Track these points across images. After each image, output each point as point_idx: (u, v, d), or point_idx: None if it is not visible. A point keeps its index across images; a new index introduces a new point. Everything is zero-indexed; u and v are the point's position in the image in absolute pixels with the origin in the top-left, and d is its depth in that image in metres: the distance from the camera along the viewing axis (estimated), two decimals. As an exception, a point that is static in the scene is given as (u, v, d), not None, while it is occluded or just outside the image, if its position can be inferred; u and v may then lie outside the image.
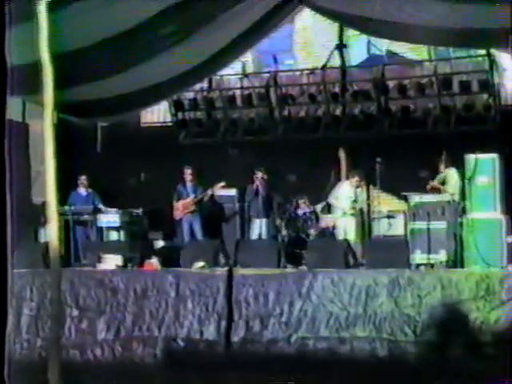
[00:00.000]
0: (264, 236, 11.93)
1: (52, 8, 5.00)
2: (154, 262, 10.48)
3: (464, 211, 10.09)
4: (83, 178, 12.41)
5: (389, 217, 11.35)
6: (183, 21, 8.19)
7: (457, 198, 10.50)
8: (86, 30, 7.62)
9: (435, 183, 10.91)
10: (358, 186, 11.56)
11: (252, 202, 12.10)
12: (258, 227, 12.00)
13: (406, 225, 11.04)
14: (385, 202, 11.78)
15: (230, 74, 13.01)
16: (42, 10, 4.86)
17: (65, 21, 6.74)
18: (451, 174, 10.85)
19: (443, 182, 10.97)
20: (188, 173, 12.18)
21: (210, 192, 12.13)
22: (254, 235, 11.98)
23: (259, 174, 11.99)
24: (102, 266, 10.33)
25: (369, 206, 11.57)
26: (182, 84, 10.63)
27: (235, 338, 8.76)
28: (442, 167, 10.96)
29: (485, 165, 9.89)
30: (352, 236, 11.25)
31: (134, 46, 8.25)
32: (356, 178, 11.57)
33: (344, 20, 10.18)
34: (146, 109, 13.18)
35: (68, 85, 7.50)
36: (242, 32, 8.89)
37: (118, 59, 8.48)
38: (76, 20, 7.29)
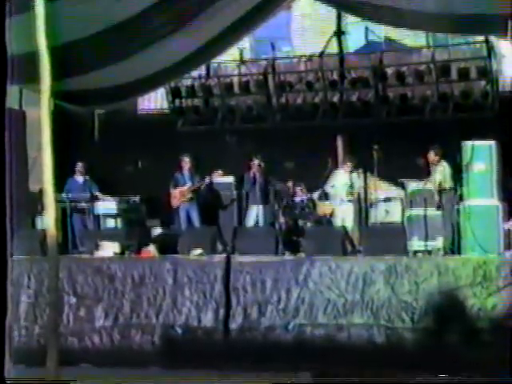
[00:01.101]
0: (261, 223, 11.94)
1: (49, -1, 4.99)
2: (152, 250, 10.49)
3: (461, 198, 10.10)
4: (80, 166, 12.39)
5: (386, 200, 11.35)
6: (179, 9, 8.16)
7: (447, 185, 10.52)
8: (82, 20, 7.61)
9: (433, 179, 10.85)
10: (351, 172, 11.57)
11: (249, 189, 12.10)
12: (255, 214, 12.00)
13: (403, 212, 11.06)
14: (382, 189, 11.78)
15: (228, 60, 12.97)
16: (39, 0, 4.86)
17: (62, 11, 6.72)
18: (445, 168, 10.82)
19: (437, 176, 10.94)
20: (185, 160, 12.16)
21: (207, 180, 12.12)
22: (251, 222, 11.98)
23: (256, 162, 11.99)
24: (99, 254, 10.34)
25: (366, 192, 11.56)
26: (179, 71, 10.61)
27: (233, 325, 8.79)
28: (435, 160, 10.88)
29: (482, 151, 9.88)
30: (350, 223, 11.27)
31: (130, 35, 8.23)
32: (348, 164, 11.60)
33: (342, 6, 10.15)
34: (142, 96, 13.15)
35: (65, 74, 7.49)
36: (238, 18, 8.86)
37: (114, 49, 8.46)
38: (73, 10, 7.28)
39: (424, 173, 11.08)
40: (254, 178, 12.05)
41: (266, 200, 12.02)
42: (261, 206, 11.99)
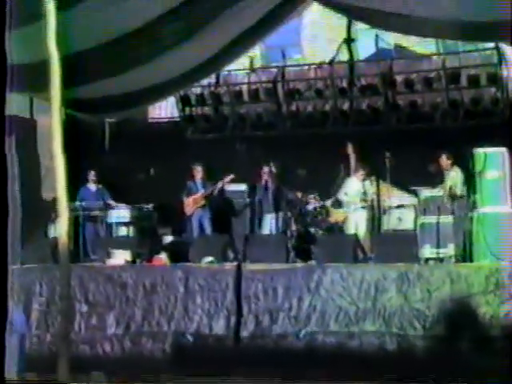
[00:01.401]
0: (274, 231, 11.91)
1: (61, 7, 5.02)
2: (163, 258, 10.50)
3: (474, 205, 10.06)
4: (93, 174, 12.44)
5: (399, 207, 11.31)
6: (190, 17, 8.19)
7: (458, 192, 10.49)
8: (93, 28, 7.64)
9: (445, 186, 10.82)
10: (364, 179, 11.55)
11: (262, 197, 12.07)
12: (269, 222, 11.97)
13: (416, 219, 11.01)
14: (394, 196, 11.75)
15: (238, 69, 13.00)
16: (50, 8, 4.89)
17: (73, 20, 6.76)
18: (457, 174, 10.79)
19: (449, 182, 10.91)
20: (198, 169, 12.19)
21: (219, 185, 12.13)
22: (265, 230, 11.96)
23: (266, 169, 11.98)
24: (111, 262, 10.36)
25: (378, 199, 11.53)
26: (190, 80, 10.63)
27: (244, 333, 8.78)
28: (447, 165, 10.87)
29: (494, 159, 9.85)
30: (362, 230, 11.23)
31: (141, 44, 8.26)
32: (361, 172, 11.57)
33: (352, 14, 10.14)
34: (153, 104, 13.19)
35: (76, 83, 7.52)
36: (249, 26, 8.88)
37: (125, 57, 8.49)
38: (84, 19, 7.31)
39: (436, 180, 11.05)
40: (266, 185, 12.04)
41: (279, 208, 12.01)
42: (274, 215, 11.97)
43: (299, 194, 11.93)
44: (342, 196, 11.81)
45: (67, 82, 5.02)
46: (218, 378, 7.96)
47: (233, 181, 12.13)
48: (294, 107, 12.74)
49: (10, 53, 4.18)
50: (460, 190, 10.56)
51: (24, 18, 4.71)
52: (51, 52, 4.89)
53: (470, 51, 12.27)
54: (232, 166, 12.29)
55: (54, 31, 4.91)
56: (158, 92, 10.06)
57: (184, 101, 13.18)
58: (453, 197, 10.51)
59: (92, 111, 10.69)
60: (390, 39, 13.21)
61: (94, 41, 7.94)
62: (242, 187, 12.46)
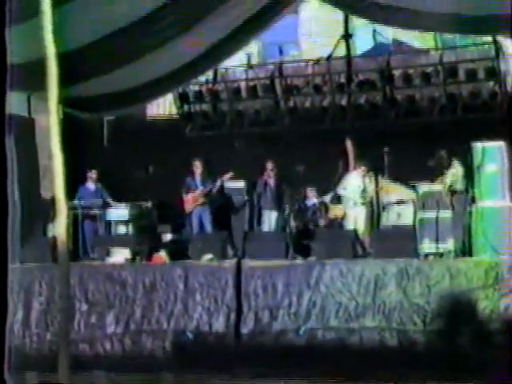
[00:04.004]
0: (275, 228, 11.90)
1: (56, 4, 5.00)
2: (163, 255, 10.49)
3: (473, 200, 10.05)
4: (91, 173, 12.42)
5: (398, 203, 11.31)
6: (183, 13, 8.19)
7: (458, 187, 10.48)
8: (89, 25, 7.64)
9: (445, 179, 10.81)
10: (364, 175, 11.53)
11: (262, 194, 12.07)
12: (269, 219, 11.97)
13: (415, 214, 11.01)
14: (393, 192, 11.75)
15: (235, 65, 12.99)
16: (46, 6, 4.87)
17: (69, 17, 6.75)
18: (457, 168, 10.78)
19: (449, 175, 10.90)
20: (196, 165, 12.18)
21: (218, 182, 12.13)
22: (265, 228, 11.96)
23: (270, 166, 11.97)
24: (110, 260, 10.35)
25: (377, 195, 11.53)
26: (187, 75, 10.63)
27: (244, 330, 8.78)
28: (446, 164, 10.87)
29: (492, 153, 9.84)
30: (362, 226, 11.23)
31: (135, 39, 8.26)
32: (362, 168, 11.55)
33: (349, 8, 10.15)
34: (151, 102, 13.19)
35: (73, 81, 7.52)
36: (244, 20, 8.88)
37: (120, 54, 8.49)
38: (80, 16, 7.31)
39: (435, 174, 11.04)
40: (266, 183, 12.04)
41: (280, 205, 12.01)
42: (274, 212, 11.97)
43: (300, 190, 11.94)
44: (340, 191, 11.80)
45: (64, 80, 5.01)
46: (218, 375, 7.96)
47: (232, 177, 12.13)
48: (292, 103, 12.73)
49: (10, 52, 4.17)
50: (460, 185, 10.55)
51: (19, 15, 4.69)
52: (48, 50, 4.87)
53: (467, 46, 12.27)
54: (231, 162, 12.28)
55: (50, 29, 4.90)
56: (155, 87, 10.07)
57: (182, 98, 13.17)
58: (453, 192, 10.51)
59: (90, 109, 10.68)
60: (388, 33, 13.20)
61: (90, 38, 7.94)
62: (241, 184, 12.47)
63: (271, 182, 12.02)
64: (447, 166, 10.77)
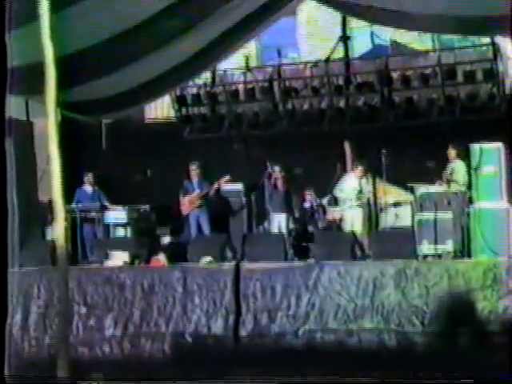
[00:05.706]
0: (283, 231, 11.85)
1: (55, 8, 5.02)
2: (161, 258, 10.50)
3: (471, 201, 10.06)
4: (89, 176, 12.42)
5: (395, 204, 11.32)
6: (183, 14, 8.21)
7: (464, 188, 10.50)
8: (87, 30, 7.66)
9: (447, 175, 10.84)
10: (362, 177, 11.54)
11: (271, 197, 12.01)
12: (277, 222, 11.90)
13: (413, 216, 11.02)
14: (391, 194, 11.76)
15: (234, 68, 13.01)
16: (45, 10, 4.88)
17: (68, 21, 6.77)
18: (460, 166, 10.81)
19: (451, 173, 10.93)
20: (194, 168, 12.17)
21: (215, 186, 12.12)
22: (275, 231, 11.90)
23: (276, 169, 11.91)
24: (109, 263, 10.35)
25: (375, 197, 11.54)
26: (184, 75, 10.64)
27: (243, 333, 8.78)
28: (449, 159, 10.91)
29: (490, 154, 9.84)
30: (359, 228, 11.24)
31: (135, 41, 8.28)
32: (359, 169, 11.55)
33: (347, 10, 10.17)
34: (148, 103, 13.19)
35: (71, 84, 7.54)
36: (240, 20, 8.90)
37: (119, 55, 8.51)
38: (78, 19, 7.32)
39: (433, 176, 11.05)
40: (275, 186, 11.98)
41: (288, 208, 11.98)
42: (283, 215, 11.91)
43: (302, 193, 11.94)
44: (337, 192, 11.80)
45: (62, 83, 5.02)
46: (217, 377, 7.96)
47: (229, 181, 12.12)
48: (290, 106, 12.76)
49: (10, 55, 4.19)
50: (464, 184, 10.55)
51: (18, 19, 4.70)
52: (46, 54, 4.89)
53: (465, 47, 12.30)
54: (230, 165, 12.29)
55: (48, 33, 4.91)
56: (152, 89, 10.07)
57: (180, 101, 13.19)
58: (452, 193, 10.52)
59: (88, 112, 10.69)
60: (386, 35, 13.24)
61: (88, 42, 7.96)
62: (239, 186, 12.46)
63: (280, 184, 11.97)
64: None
